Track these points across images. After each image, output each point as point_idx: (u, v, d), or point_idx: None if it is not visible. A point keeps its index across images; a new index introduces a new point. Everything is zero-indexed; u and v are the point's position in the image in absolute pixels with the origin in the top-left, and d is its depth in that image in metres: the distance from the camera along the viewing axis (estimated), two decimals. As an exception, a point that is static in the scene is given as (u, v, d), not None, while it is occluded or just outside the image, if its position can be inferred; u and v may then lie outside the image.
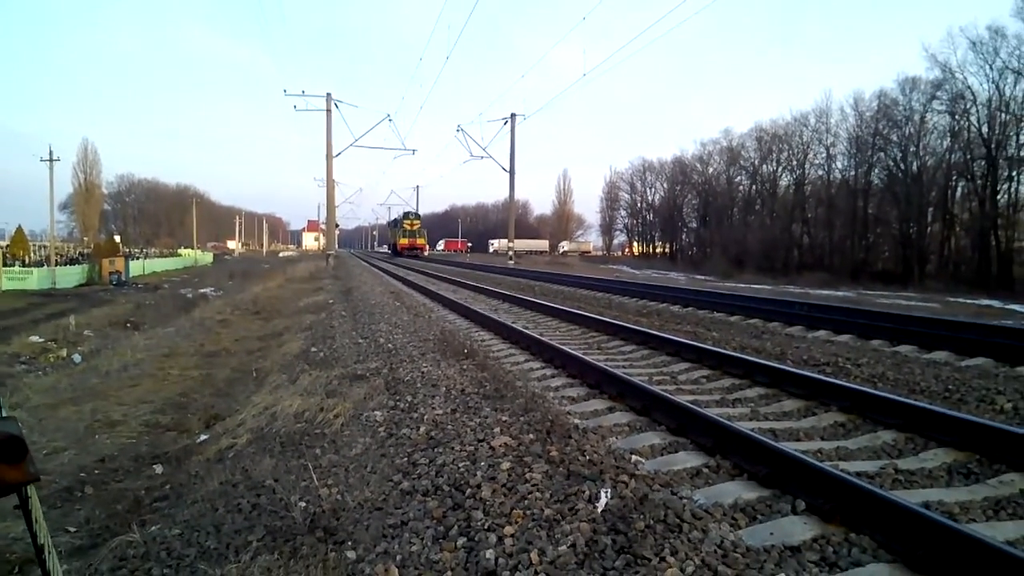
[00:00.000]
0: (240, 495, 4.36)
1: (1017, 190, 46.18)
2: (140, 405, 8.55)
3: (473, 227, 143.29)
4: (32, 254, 49.73)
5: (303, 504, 3.90)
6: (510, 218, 48.57)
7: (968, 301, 21.85)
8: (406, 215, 72.04)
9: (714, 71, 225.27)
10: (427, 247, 76.34)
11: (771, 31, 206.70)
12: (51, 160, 46.80)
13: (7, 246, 50.64)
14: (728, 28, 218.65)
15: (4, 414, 1.25)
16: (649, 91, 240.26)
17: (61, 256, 49.17)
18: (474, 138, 43.89)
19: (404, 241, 69.28)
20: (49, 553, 1.36)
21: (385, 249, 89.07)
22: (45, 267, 38.70)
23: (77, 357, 13.05)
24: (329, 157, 38.12)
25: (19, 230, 55.63)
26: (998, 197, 46.10)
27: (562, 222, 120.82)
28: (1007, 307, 19.90)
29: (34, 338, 14.98)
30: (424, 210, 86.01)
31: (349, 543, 3.34)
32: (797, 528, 3.09)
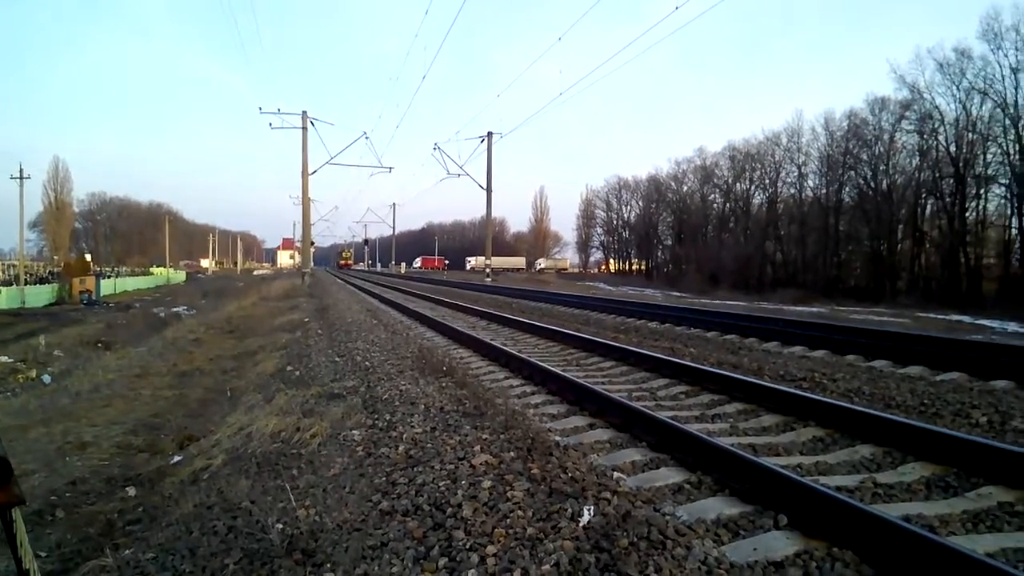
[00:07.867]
0: (216, 517, 4.27)
1: (985, 208, 47.54)
2: (112, 426, 8.38)
3: (450, 244, 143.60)
4: (1, 273, 48.81)
5: (280, 526, 3.82)
6: (487, 235, 48.71)
7: (939, 317, 22.23)
8: (343, 249, 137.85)
9: (687, 91, 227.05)
10: (353, 264, 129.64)
11: (742, 52, 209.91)
12: (21, 178, 46.13)
13: (-26, 265, 49.69)
14: (700, 49, 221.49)
15: None
16: (624, 110, 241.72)
17: (31, 275, 48.35)
18: (451, 156, 43.91)
19: (341, 262, 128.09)
20: None
21: (361, 267, 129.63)
22: (14, 286, 37.98)
23: (47, 378, 12.80)
24: (305, 175, 37.98)
25: (-13, 248, 54.62)
26: (967, 215, 47.29)
27: (539, 239, 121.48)
28: (977, 322, 20.25)
29: (3, 358, 14.67)
30: (401, 227, 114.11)
31: (328, 565, 3.27)
32: (780, 543, 3.08)
